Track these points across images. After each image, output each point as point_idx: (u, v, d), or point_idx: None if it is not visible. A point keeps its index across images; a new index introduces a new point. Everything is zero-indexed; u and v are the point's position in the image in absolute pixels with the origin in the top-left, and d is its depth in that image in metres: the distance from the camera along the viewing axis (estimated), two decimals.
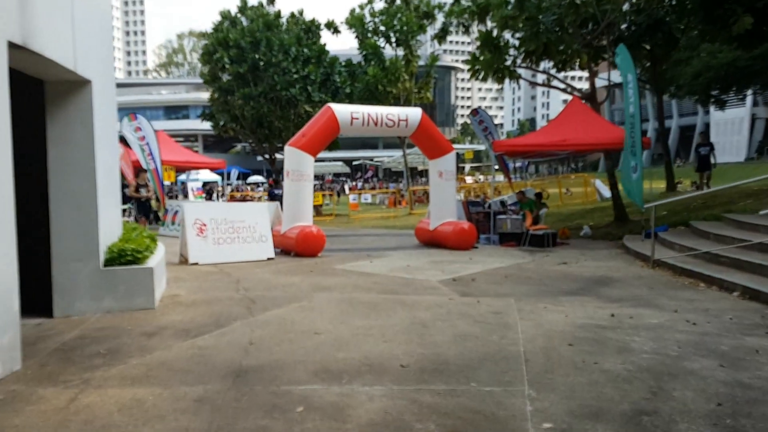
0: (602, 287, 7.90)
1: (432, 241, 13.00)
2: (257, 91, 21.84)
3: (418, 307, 6.51)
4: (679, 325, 5.85)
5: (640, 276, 8.82)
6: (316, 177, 74.88)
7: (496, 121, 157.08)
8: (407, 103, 26.37)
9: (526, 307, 6.56)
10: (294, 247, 11.05)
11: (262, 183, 67.45)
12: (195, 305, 6.57)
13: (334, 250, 12.32)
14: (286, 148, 11.60)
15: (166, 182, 24.06)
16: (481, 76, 15.95)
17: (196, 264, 9.67)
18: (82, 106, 6.36)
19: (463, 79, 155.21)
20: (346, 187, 55.22)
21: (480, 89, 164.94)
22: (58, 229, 6.13)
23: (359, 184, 58.11)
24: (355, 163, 70.05)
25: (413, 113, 12.41)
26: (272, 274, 8.84)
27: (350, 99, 26.03)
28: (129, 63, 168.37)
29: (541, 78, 18.58)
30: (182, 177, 46.16)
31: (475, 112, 17.28)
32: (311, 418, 3.55)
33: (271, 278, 8.42)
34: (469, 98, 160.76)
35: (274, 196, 19.29)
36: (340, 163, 72.55)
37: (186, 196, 25.74)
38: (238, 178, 56.11)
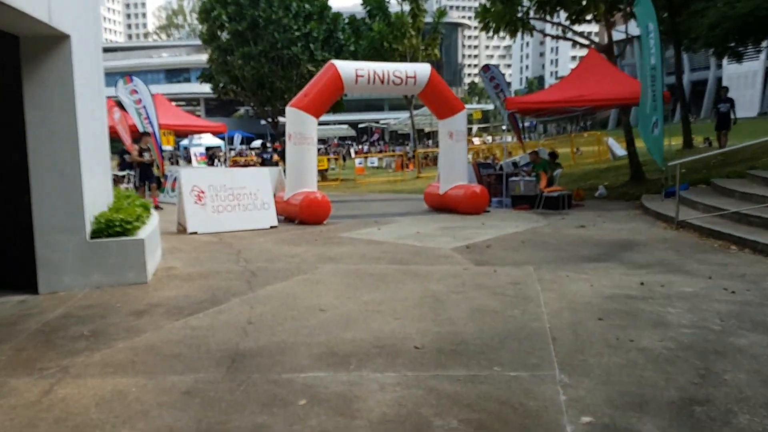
0: (626, 252, 7.40)
1: (442, 205, 12.48)
2: (257, 49, 21.02)
3: (430, 279, 6.05)
4: (716, 294, 5.36)
5: (664, 239, 8.30)
6: (321, 141, 74.33)
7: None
8: (414, 60, 25.43)
9: (546, 276, 6.08)
10: (298, 215, 10.57)
11: (268, 148, 66.91)
12: (191, 279, 6.13)
13: (340, 217, 11.84)
14: (288, 109, 10.99)
15: (167, 147, 23.60)
16: (492, 29, 15.13)
17: (195, 233, 9.22)
18: (59, 64, 5.80)
19: (470, 37, 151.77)
20: (352, 151, 54.50)
21: (487, 47, 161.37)
22: (39, 198, 5.65)
23: (365, 148, 57.34)
24: (360, 126, 69.05)
25: (421, 70, 11.72)
26: (275, 243, 8.39)
27: (355, 57, 25.14)
28: (129, 26, 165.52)
29: (552, 33, 17.66)
30: (184, 142, 45.61)
31: (486, 68, 16.50)
32: (315, 413, 3.11)
33: (274, 248, 7.97)
34: (476, 56, 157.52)
35: (265, 161, 18.75)
36: (345, 126, 71.55)
37: (189, 161, 25.16)
38: (241, 143, 55.40)
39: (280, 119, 26.45)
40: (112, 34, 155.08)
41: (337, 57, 23.97)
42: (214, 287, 5.77)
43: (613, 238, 8.45)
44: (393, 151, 50.52)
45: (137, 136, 16.80)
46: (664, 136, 11.30)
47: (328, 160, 29.33)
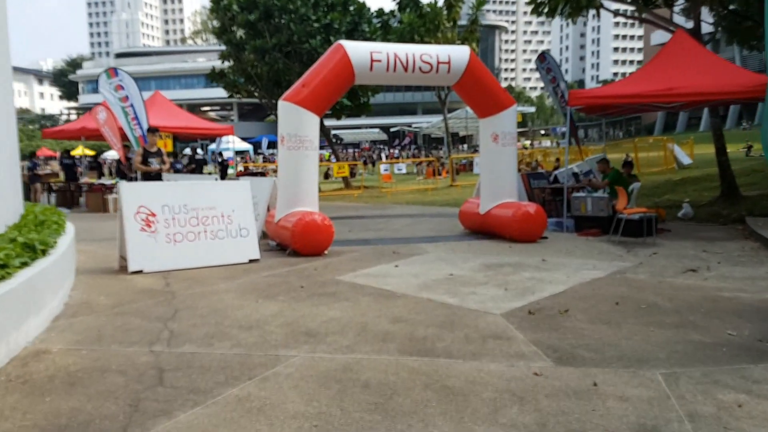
0: None
1: (483, 228, 9.63)
2: (272, 43, 18.53)
3: (474, 401, 3.23)
4: None
5: None
6: (354, 145, 72.12)
7: (542, 85, 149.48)
8: None
9: (700, 407, 3.18)
10: (290, 243, 7.89)
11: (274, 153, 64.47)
12: (47, 389, 3.46)
13: (350, 242, 9.11)
14: (280, 103, 8.33)
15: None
16: (546, 11, 12.23)
17: (139, 272, 6.61)
18: None
19: (507, 41, 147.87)
20: (383, 155, 51.85)
21: (525, 51, 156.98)
22: None
23: (396, 152, 54.65)
24: (392, 129, 66.52)
25: (458, 53, 8.92)
26: (239, 295, 5.68)
27: None
28: (167, 32, 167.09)
29: (616, 11, 14.56)
30: (212, 147, 43.58)
31: (543, 57, 13.59)
32: None
33: (232, 306, 5.26)
34: (513, 60, 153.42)
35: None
36: (376, 130, 69.12)
37: (224, 171, 21.62)
38: (268, 147, 53.28)
39: None
40: (150, 39, 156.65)
41: None
42: (67, 415, 3.08)
43: (756, 297, 5.46)
44: (427, 155, 47.75)
45: (127, 139, 14.47)
46: None
47: (354, 165, 26.74)
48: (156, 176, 10.04)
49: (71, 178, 16.90)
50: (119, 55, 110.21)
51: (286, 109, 8.24)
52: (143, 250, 6.65)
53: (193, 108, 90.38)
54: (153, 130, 10.52)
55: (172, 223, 6.87)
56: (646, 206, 10.80)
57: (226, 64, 20.94)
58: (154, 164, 9.95)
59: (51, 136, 17.94)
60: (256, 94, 20.98)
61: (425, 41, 20.99)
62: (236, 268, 7.01)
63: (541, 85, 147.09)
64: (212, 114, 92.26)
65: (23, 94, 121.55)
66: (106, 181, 15.57)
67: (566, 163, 11.16)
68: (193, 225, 7.01)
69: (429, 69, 8.70)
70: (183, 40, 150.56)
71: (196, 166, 15.38)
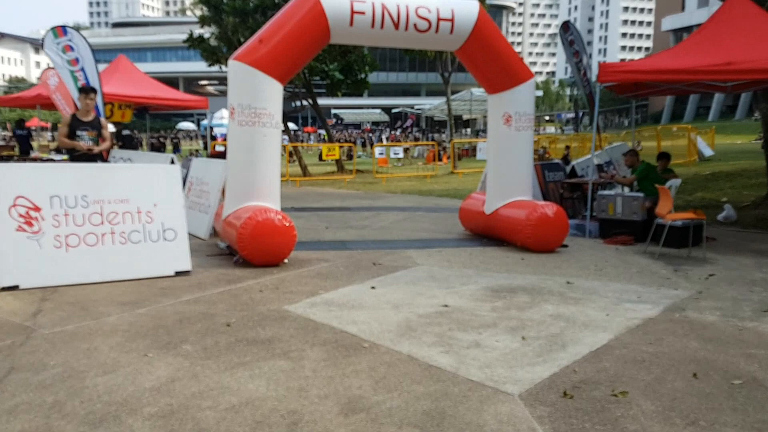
0: None
1: (488, 231, 7.78)
2: (254, 3, 16.50)
3: None
4: None
5: None
6: (355, 126, 69.79)
7: (548, 69, 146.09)
8: None
9: None
10: (237, 248, 6.04)
11: (295, 130, 62.26)
12: None
13: (323, 245, 7.27)
14: (230, 63, 6.41)
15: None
16: None
17: (15, 288, 4.77)
18: None
19: (514, 24, 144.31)
20: (383, 137, 49.78)
21: (532, 34, 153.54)
22: None
23: (398, 134, 52.59)
24: (394, 111, 64.33)
25: (464, 8, 6.96)
26: (127, 339, 3.83)
27: None
28: (167, 2, 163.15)
29: None
30: (204, 122, 41.43)
31: (567, 26, 11.60)
32: None
33: (104, 364, 3.42)
34: (519, 44, 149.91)
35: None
36: (378, 111, 66.85)
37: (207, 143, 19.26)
38: None
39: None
40: (149, 10, 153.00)
41: None
42: None
43: None
44: (428, 139, 45.61)
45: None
46: None
47: (350, 147, 24.82)
48: (90, 158, 7.54)
49: (26, 151, 15.00)
50: (116, 25, 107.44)
51: (237, 71, 6.33)
52: (20, 258, 4.80)
53: (191, 82, 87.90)
54: (87, 89, 8.04)
55: (65, 222, 5.01)
56: (676, 205, 8.92)
57: (207, 30, 18.89)
58: (85, 140, 7.56)
59: (5, 104, 15.98)
60: (226, 61, 18.93)
61: None
62: (152, 285, 5.16)
63: (548, 69, 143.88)
64: (210, 89, 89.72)
65: (19, 63, 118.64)
66: (56, 156, 13.66)
67: (593, 151, 9.16)
68: (95, 224, 5.15)
69: (426, 27, 6.77)
70: (183, 11, 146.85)
71: (123, 145, 13.29)
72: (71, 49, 12.00)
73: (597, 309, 4.71)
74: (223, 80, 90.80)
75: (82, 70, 12.03)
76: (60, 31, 12.06)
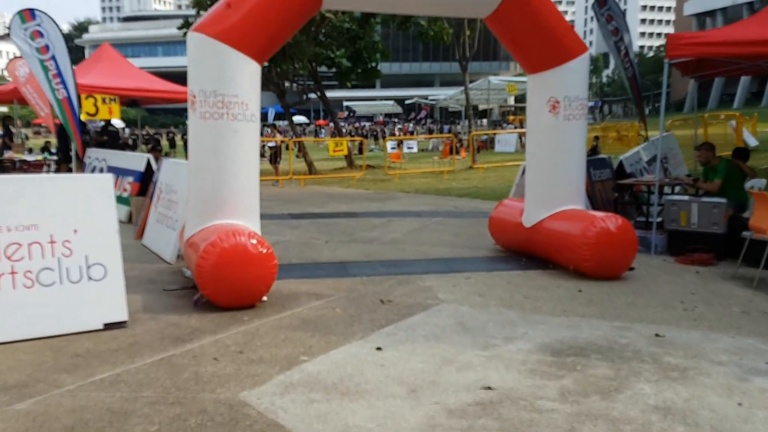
0: None
1: (529, 248, 6.14)
2: None
3: None
4: None
5: None
6: (367, 119, 68.01)
7: None
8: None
9: None
10: (198, 284, 4.47)
11: (306, 124, 60.59)
12: None
13: (318, 269, 5.70)
14: (189, 36, 4.83)
15: (117, 122, 17.87)
16: None
17: None
18: None
19: None
20: (396, 129, 48.04)
21: None
22: None
23: (411, 126, 50.81)
24: (407, 102, 62.60)
25: None
26: None
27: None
28: None
29: None
30: None
31: (603, 0, 9.78)
32: None
33: None
34: None
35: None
36: (391, 102, 65.03)
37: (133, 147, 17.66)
38: (275, 119, 49.54)
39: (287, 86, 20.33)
40: (161, 3, 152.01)
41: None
42: None
43: None
44: (442, 131, 43.74)
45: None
46: None
47: (360, 142, 23.18)
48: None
49: None
50: (126, 19, 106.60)
51: (198, 46, 4.76)
52: None
53: None
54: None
55: None
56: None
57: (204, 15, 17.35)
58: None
59: None
60: None
61: None
62: (64, 349, 3.62)
63: None
64: None
65: None
66: (29, 156, 12.22)
67: (660, 147, 7.33)
68: None
69: None
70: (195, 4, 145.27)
71: (108, 139, 11.82)
72: (40, 35, 10.52)
73: (719, 391, 3.08)
74: None
75: (53, 58, 10.56)
76: (27, 14, 10.56)
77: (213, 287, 4.36)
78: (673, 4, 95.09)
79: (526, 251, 6.23)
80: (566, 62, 5.67)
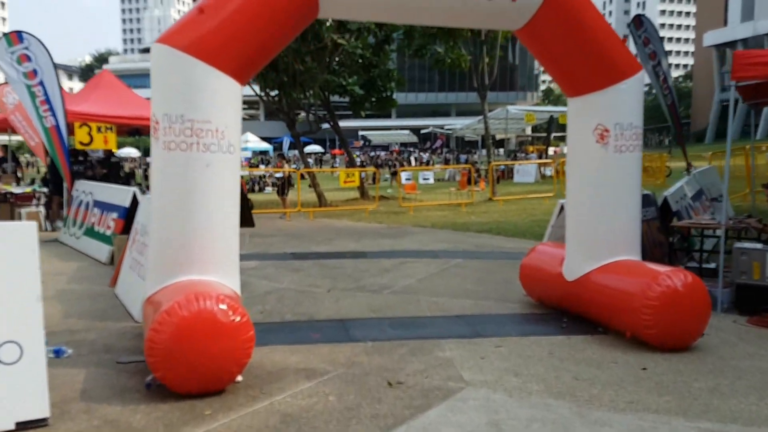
0: None
1: (571, 304, 5.05)
2: None
3: None
4: None
5: None
6: (381, 147, 67.50)
7: None
8: (490, 34, 18.05)
9: None
10: (147, 362, 3.46)
11: (322, 153, 59.97)
12: None
13: (310, 331, 4.65)
14: (153, 48, 3.93)
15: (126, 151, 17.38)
16: None
17: None
18: None
19: None
20: (412, 159, 47.19)
21: None
22: None
23: (425, 156, 49.95)
24: (423, 131, 62.00)
25: None
26: None
27: (410, 35, 18.07)
28: None
29: None
30: None
31: (639, 22, 8.80)
32: None
33: None
34: None
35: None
36: (407, 132, 64.45)
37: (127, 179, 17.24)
38: (290, 149, 48.98)
39: (298, 115, 19.61)
40: None
41: (381, 30, 16.87)
42: None
43: None
44: (458, 161, 42.75)
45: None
46: None
47: (374, 172, 22.28)
48: None
49: None
50: (146, 50, 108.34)
51: (163, 60, 3.85)
52: None
53: None
54: None
55: None
56: None
57: None
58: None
59: None
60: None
61: None
62: None
63: None
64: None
65: None
66: (16, 189, 11.45)
67: (725, 177, 6.10)
68: None
69: None
70: None
71: (109, 171, 11.00)
72: (28, 59, 9.83)
73: None
74: (251, 104, 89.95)
75: (41, 84, 9.85)
76: (14, 37, 9.90)
77: (167, 368, 3.34)
78: (692, 36, 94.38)
79: (566, 308, 5.14)
80: (617, 83, 4.67)
